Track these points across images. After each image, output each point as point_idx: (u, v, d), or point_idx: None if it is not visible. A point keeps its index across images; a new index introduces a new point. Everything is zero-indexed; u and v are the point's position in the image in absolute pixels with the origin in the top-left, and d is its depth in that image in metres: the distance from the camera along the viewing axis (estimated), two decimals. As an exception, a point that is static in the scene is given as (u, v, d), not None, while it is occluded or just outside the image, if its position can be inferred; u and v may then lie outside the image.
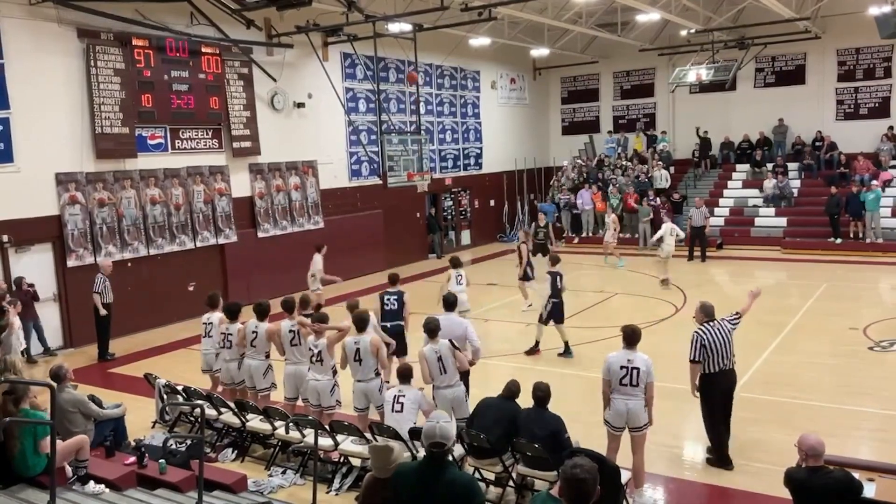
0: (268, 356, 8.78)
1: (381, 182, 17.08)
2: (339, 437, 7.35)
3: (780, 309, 13.44)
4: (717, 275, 18.57)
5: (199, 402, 8.01)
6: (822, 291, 15.45)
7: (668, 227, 17.03)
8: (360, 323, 7.92)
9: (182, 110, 15.00)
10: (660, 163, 23.59)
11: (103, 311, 12.22)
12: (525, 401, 6.73)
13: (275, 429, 7.89)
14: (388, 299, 9.93)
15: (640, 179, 23.43)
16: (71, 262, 13.35)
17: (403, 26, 16.89)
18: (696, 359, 7.26)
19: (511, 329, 13.60)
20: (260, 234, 16.91)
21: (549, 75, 27.93)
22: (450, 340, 7.59)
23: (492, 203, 25.51)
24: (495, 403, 6.90)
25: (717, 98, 24.18)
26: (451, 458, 6.57)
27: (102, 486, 6.63)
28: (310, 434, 7.23)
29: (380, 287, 12.46)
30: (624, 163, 24.72)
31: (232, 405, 8.36)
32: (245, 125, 16.30)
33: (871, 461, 6.63)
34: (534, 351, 11.54)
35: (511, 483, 6.78)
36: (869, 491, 5.27)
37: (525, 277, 14.69)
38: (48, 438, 6.10)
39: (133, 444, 7.99)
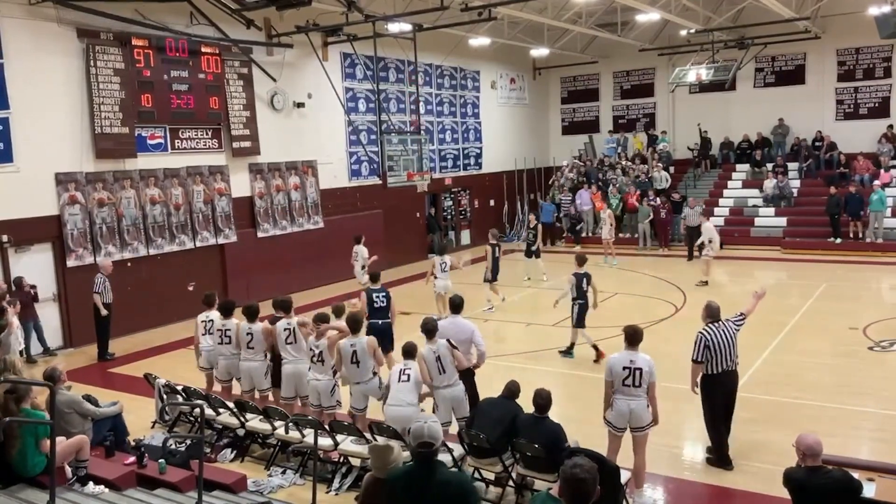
0: (266, 356, 8.78)
1: (380, 182, 17.09)
2: (339, 437, 7.35)
3: (780, 309, 13.43)
4: (717, 275, 18.54)
5: (199, 401, 8.00)
6: (822, 291, 15.45)
7: (711, 227, 16.65)
8: (355, 324, 7.94)
9: (182, 110, 14.99)
10: (659, 164, 23.59)
11: (104, 312, 12.22)
12: (525, 402, 6.72)
13: (274, 429, 7.89)
14: (377, 297, 10.17)
15: (639, 179, 23.43)
16: (70, 262, 13.35)
17: (403, 26, 16.89)
18: (699, 359, 7.26)
19: (511, 329, 13.59)
20: (259, 234, 16.91)
21: (549, 75, 27.93)
22: (448, 340, 7.58)
23: (492, 203, 25.51)
24: (496, 403, 6.90)
25: (717, 98, 24.17)
26: (442, 457, 6.68)
27: (102, 486, 6.63)
28: (309, 434, 7.23)
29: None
30: (624, 163, 24.72)
31: (231, 405, 8.35)
32: (245, 125, 16.29)
33: (870, 461, 6.62)
34: (598, 356, 11.00)
35: (511, 483, 6.78)
36: (869, 491, 5.27)
37: (487, 279, 14.83)
38: (48, 438, 6.10)
39: (133, 443, 7.98)
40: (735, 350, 7.34)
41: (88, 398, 7.95)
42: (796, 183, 22.60)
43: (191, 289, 14.91)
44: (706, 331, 7.27)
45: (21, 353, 10.48)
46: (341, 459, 7.47)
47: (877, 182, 20.28)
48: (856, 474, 5.20)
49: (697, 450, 7.88)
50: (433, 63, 21.99)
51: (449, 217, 24.07)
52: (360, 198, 19.64)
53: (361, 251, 14.92)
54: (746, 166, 23.92)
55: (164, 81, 14.65)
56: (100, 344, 12.53)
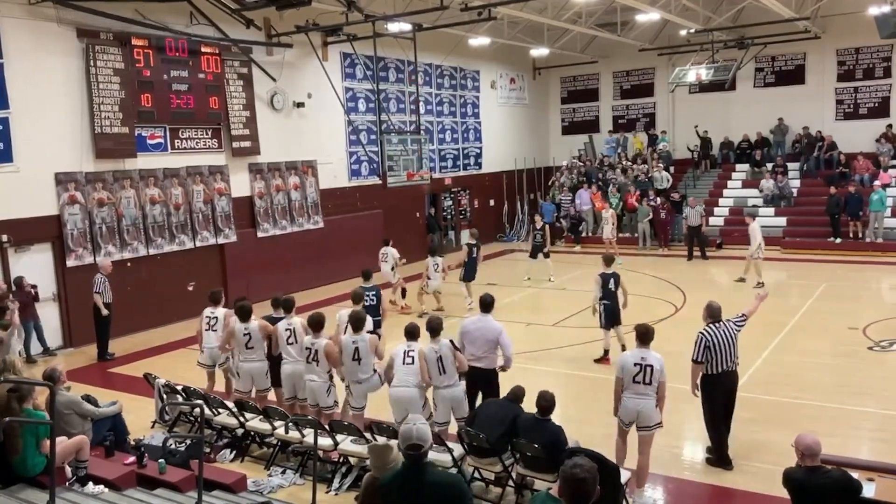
0: (265, 356, 8.76)
1: (380, 182, 17.09)
2: (339, 437, 7.35)
3: (780, 309, 13.43)
4: (717, 274, 18.57)
5: (199, 401, 8.00)
6: (822, 291, 15.45)
7: (756, 228, 16.25)
8: (358, 323, 7.92)
9: (182, 110, 14.98)
10: (660, 164, 23.59)
11: (105, 312, 12.22)
12: (528, 405, 6.73)
13: (274, 429, 7.89)
14: (368, 295, 10.19)
15: (639, 179, 23.42)
16: (70, 262, 13.34)
17: (403, 26, 16.88)
18: (699, 360, 7.26)
19: (511, 329, 13.53)
20: (259, 234, 16.90)
21: (549, 75, 27.92)
22: (450, 340, 7.58)
23: (491, 203, 25.50)
24: (498, 404, 6.91)
25: (717, 98, 24.17)
26: (442, 457, 6.69)
27: (102, 486, 6.63)
28: (309, 434, 7.23)
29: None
30: (624, 163, 24.72)
31: (231, 405, 8.35)
32: (245, 125, 16.28)
33: (870, 461, 6.62)
34: (603, 359, 10.94)
35: (511, 483, 6.78)
36: (868, 491, 5.27)
37: (464, 278, 14.94)
38: (48, 439, 6.10)
39: (133, 443, 7.98)
40: (735, 350, 7.34)
41: (88, 398, 7.95)
42: (796, 183, 22.60)
43: (190, 289, 14.91)
44: (706, 331, 7.27)
45: (20, 352, 10.50)
46: (341, 459, 7.47)
47: (877, 182, 20.29)
48: (855, 474, 5.20)
49: (697, 450, 7.88)
50: (433, 63, 21.98)
51: (449, 217, 24.06)
52: (359, 198, 19.63)
53: (391, 252, 15.16)
54: (746, 166, 23.92)
55: (164, 81, 14.64)
56: (100, 344, 12.51)
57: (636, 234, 22.30)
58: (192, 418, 8.94)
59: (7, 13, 12.25)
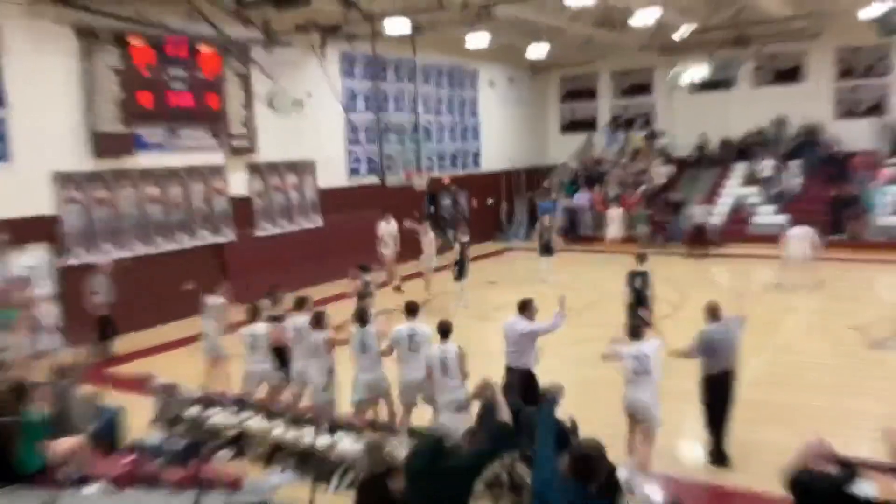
0: (269, 358, 8.75)
1: (379, 181, 17.08)
2: (338, 436, 7.33)
3: (780, 309, 13.42)
4: (717, 273, 18.56)
5: (198, 401, 7.99)
6: (822, 291, 15.42)
7: (796, 233, 15.68)
8: (363, 315, 8.00)
9: (180, 109, 14.95)
10: (658, 161, 23.56)
11: (104, 311, 12.19)
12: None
13: (273, 428, 7.87)
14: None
15: (638, 178, 23.40)
16: (69, 262, 13.31)
17: (403, 28, 16.78)
18: (694, 356, 7.32)
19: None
20: (258, 234, 16.88)
21: (548, 74, 27.89)
22: (459, 347, 7.57)
23: (490, 202, 25.48)
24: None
25: (716, 96, 24.15)
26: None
27: (101, 485, 6.61)
28: (308, 433, 7.22)
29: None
30: (623, 160, 24.69)
31: (230, 405, 8.34)
32: (243, 124, 16.26)
33: (870, 461, 6.60)
34: None
35: (511, 483, 6.76)
36: (869, 491, 5.25)
37: (457, 276, 14.95)
38: (48, 438, 6.09)
39: (132, 443, 7.97)
40: (735, 351, 7.34)
41: (88, 398, 7.93)
42: (797, 180, 22.57)
43: (190, 288, 14.86)
44: (707, 331, 7.28)
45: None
46: (340, 459, 7.45)
47: (876, 181, 20.27)
48: (866, 474, 5.18)
49: (697, 450, 7.87)
50: (432, 62, 21.95)
51: (447, 216, 24.01)
52: (358, 197, 19.60)
53: (428, 233, 16.07)
54: (745, 164, 23.89)
55: (163, 80, 14.61)
56: (99, 344, 12.49)
57: (635, 234, 22.28)
58: (191, 418, 8.91)
59: (5, 13, 12.22)
